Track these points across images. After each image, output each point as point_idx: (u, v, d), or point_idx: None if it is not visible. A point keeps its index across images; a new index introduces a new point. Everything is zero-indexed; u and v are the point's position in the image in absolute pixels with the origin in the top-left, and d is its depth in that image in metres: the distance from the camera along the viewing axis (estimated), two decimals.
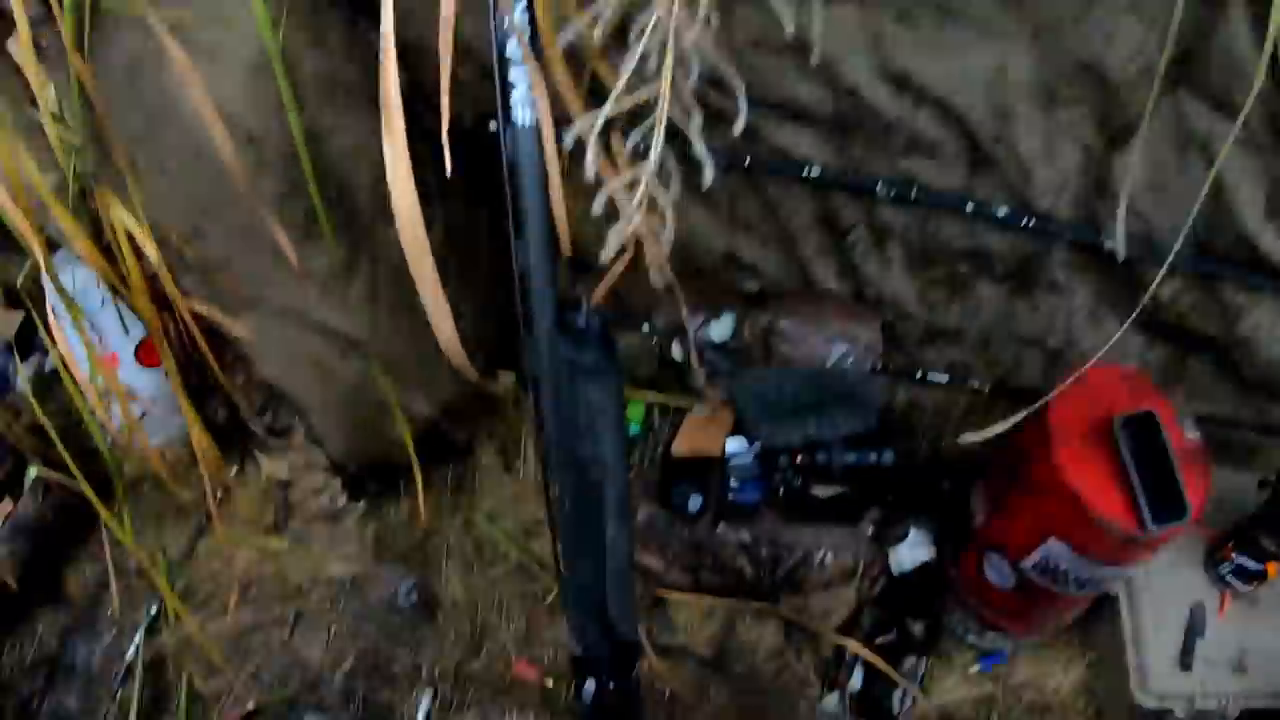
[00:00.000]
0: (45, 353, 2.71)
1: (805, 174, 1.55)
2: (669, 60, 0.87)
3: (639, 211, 0.88)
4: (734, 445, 1.73)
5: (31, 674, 2.14)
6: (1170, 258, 1.37)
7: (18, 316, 2.64)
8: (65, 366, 1.93)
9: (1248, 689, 1.69)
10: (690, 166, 0.90)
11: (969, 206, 1.57)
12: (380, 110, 1.27)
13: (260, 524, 2.16)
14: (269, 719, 1.98)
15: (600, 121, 0.88)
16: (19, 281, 2.30)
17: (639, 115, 0.98)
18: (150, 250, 1.59)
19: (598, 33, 0.87)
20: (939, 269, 1.71)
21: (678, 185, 0.95)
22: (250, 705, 1.97)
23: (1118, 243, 1.40)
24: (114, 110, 1.54)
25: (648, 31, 0.86)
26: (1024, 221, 1.58)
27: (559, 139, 1.06)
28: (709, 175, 0.94)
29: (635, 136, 0.97)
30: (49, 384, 2.58)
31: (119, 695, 2.04)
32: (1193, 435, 1.53)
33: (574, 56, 1.23)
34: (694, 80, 0.93)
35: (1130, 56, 1.38)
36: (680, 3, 0.86)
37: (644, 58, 0.87)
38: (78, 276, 2.02)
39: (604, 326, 0.88)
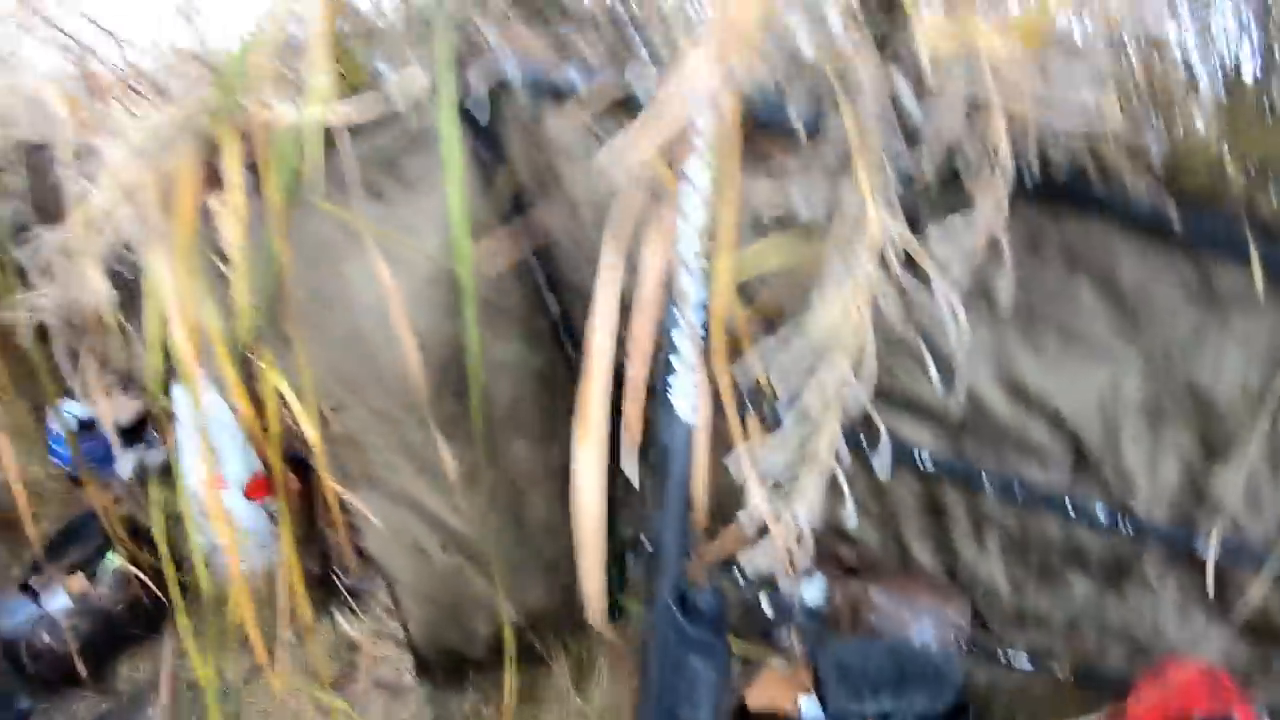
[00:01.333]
0: (152, 445, 2.87)
1: (918, 463, 1.62)
2: (830, 415, 0.96)
3: (780, 534, 0.94)
4: (808, 706, 1.71)
5: None
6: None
7: (134, 406, 2.80)
8: (176, 476, 2.04)
9: None
10: None
11: (1070, 508, 1.61)
12: (528, 339, 1.34)
13: (321, 677, 2.17)
14: None
15: (766, 464, 0.96)
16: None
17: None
18: (303, 417, 1.69)
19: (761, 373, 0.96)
20: (1033, 558, 1.73)
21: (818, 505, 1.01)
22: None
23: (1210, 551, 1.40)
24: (294, 281, 1.69)
25: (814, 388, 0.95)
26: (1121, 525, 1.61)
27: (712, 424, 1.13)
28: (852, 520, 0.99)
29: (785, 459, 1.04)
30: (149, 478, 2.71)
31: None
32: None
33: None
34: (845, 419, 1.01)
35: (1236, 384, 1.45)
36: (849, 364, 0.95)
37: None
38: (211, 399, 2.17)
39: (720, 609, 0.93)
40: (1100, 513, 1.62)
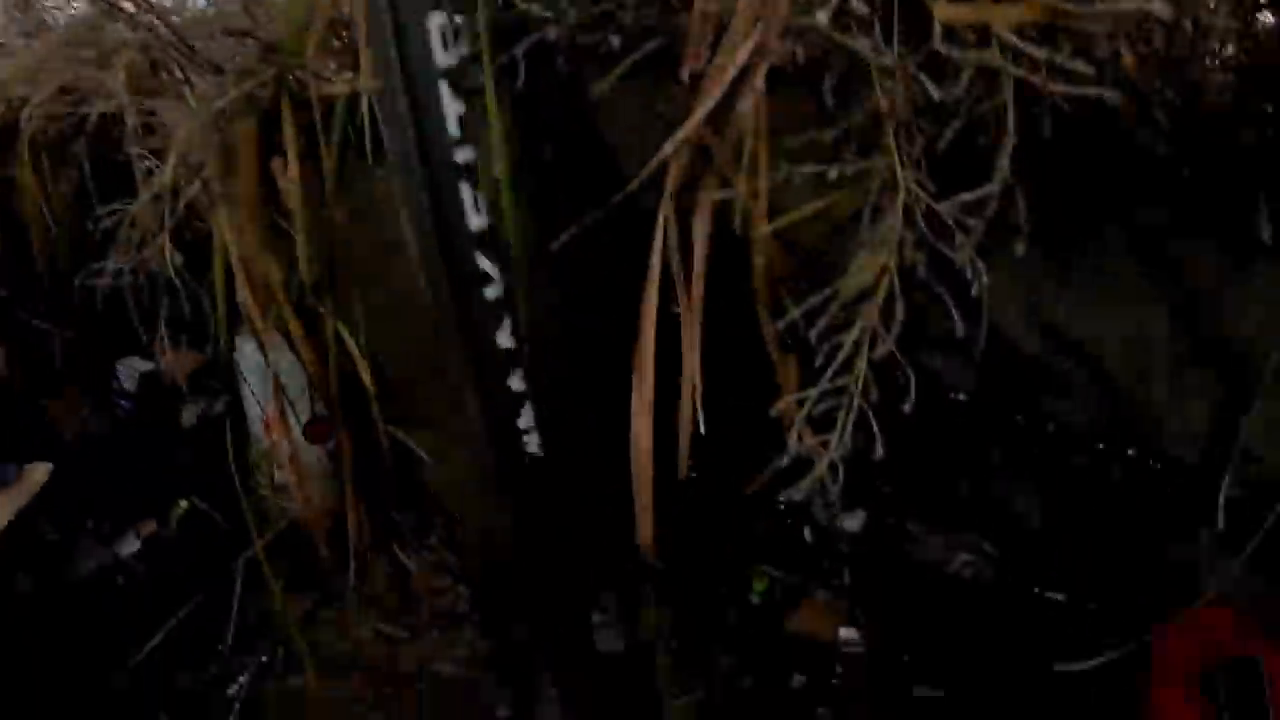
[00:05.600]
0: (216, 396, 3.00)
1: (950, 399, 1.68)
2: (861, 358, 1.03)
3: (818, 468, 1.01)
4: (848, 635, 1.82)
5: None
6: None
7: (194, 358, 2.92)
8: (242, 421, 2.16)
9: None
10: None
11: (1099, 445, 1.67)
12: None
13: (383, 608, 2.31)
14: None
15: (807, 407, 1.04)
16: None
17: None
18: (361, 362, 1.82)
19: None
20: (1065, 494, 1.79)
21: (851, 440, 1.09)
22: None
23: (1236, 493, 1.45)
24: (349, 236, 1.78)
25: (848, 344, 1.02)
26: (1152, 464, 1.66)
27: None
28: (879, 452, 1.07)
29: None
30: (214, 426, 2.84)
31: None
32: None
33: None
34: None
35: (1260, 327, 1.48)
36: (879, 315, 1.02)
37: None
38: (274, 348, 2.27)
39: None
40: (1130, 451, 1.67)
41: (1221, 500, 1.43)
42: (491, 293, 0.38)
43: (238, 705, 2.24)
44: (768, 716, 1.83)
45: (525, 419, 0.40)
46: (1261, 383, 1.50)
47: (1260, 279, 1.44)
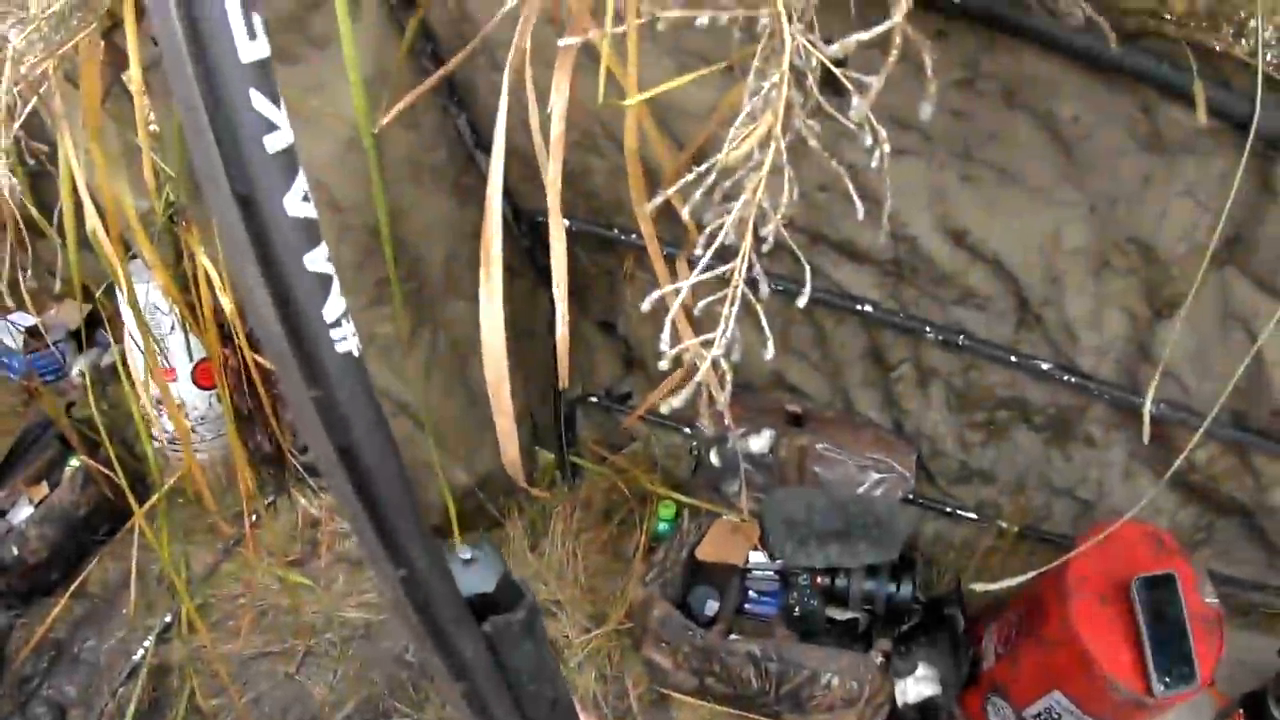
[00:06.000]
0: (104, 348, 2.83)
1: (858, 310, 1.60)
2: (747, 242, 0.93)
3: (707, 370, 0.92)
4: (757, 557, 1.77)
5: (35, 656, 2.18)
6: (1205, 424, 1.36)
7: (84, 310, 2.75)
8: (127, 372, 2.01)
9: None
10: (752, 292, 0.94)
11: (1013, 358, 1.61)
12: (459, 195, 1.30)
13: (285, 556, 2.21)
14: None
15: (684, 293, 0.94)
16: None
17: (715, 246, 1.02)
18: (226, 294, 1.67)
19: (687, 210, 0.92)
20: (979, 412, 1.75)
21: (740, 350, 0.99)
22: None
23: (1146, 404, 1.40)
24: None
25: (734, 213, 0.92)
26: (1066, 378, 1.61)
27: None
28: (769, 351, 0.98)
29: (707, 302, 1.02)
30: (103, 380, 2.69)
31: (119, 693, 2.07)
32: (1211, 601, 1.52)
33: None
34: (768, 245, 0.97)
35: (1181, 235, 1.42)
36: (765, 191, 0.91)
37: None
38: (151, 291, 2.12)
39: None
40: (1044, 365, 1.61)
41: (1146, 417, 1.38)
42: (275, 143, 0.26)
43: (144, 670, 2.12)
44: (686, 644, 1.78)
45: (333, 308, 0.28)
46: (1182, 296, 1.44)
47: (1183, 181, 1.37)
